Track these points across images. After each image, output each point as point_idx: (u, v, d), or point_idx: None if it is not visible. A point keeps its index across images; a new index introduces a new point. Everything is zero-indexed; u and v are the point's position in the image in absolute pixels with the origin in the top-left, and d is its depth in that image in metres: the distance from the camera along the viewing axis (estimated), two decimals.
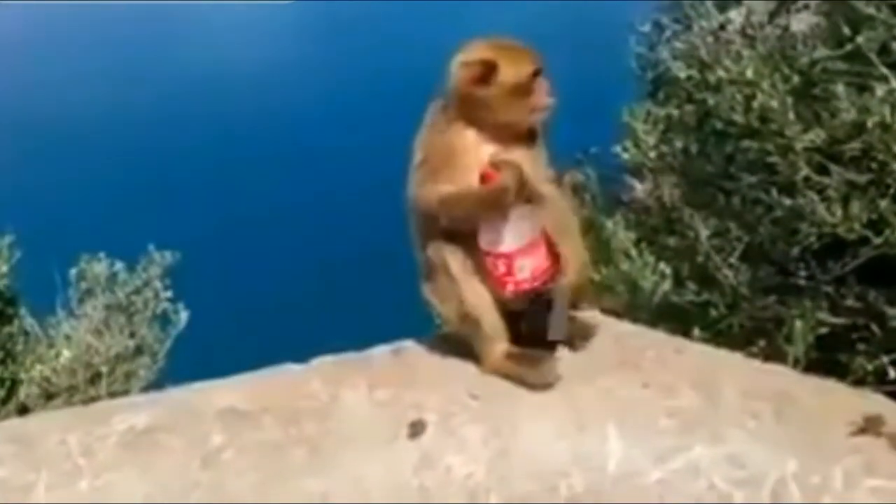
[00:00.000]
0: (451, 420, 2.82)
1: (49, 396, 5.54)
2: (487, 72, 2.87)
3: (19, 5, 30.08)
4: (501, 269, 2.86)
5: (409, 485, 2.62)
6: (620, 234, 5.22)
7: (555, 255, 2.96)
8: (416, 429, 2.80)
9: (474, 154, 2.90)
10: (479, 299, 2.92)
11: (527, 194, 2.87)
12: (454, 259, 2.92)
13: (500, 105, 2.89)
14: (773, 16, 4.91)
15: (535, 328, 2.97)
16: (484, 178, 2.86)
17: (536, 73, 2.91)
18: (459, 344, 3.00)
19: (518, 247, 2.85)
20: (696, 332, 4.64)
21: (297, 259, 18.63)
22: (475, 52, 2.91)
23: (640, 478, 2.58)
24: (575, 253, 3.07)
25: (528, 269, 2.87)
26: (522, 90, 2.89)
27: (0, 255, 5.71)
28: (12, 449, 2.85)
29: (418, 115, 3.00)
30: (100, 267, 6.10)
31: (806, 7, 5.04)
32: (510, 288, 2.87)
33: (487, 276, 2.89)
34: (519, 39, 2.99)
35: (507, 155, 2.90)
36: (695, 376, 2.92)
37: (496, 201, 2.82)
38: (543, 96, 2.93)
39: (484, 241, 2.86)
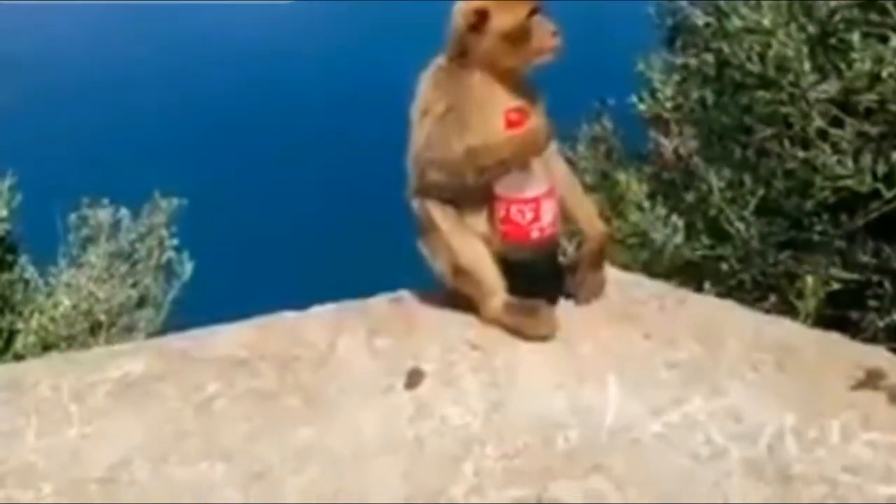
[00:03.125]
0: (450, 370, 2.81)
1: (46, 347, 5.43)
2: (479, 20, 2.80)
3: None
4: (529, 215, 2.82)
5: (403, 435, 2.60)
6: (634, 186, 5.15)
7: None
8: (413, 378, 2.78)
9: (494, 100, 2.85)
10: (473, 252, 2.89)
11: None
12: (445, 214, 2.89)
13: (500, 52, 2.83)
14: None
15: (540, 278, 2.95)
16: (510, 123, 2.81)
17: (532, 14, 2.82)
18: (458, 296, 2.98)
19: (543, 191, 2.83)
20: (708, 286, 4.60)
21: (302, 208, 18.63)
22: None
23: (637, 431, 2.55)
24: (590, 207, 3.09)
25: (550, 214, 2.85)
26: (520, 34, 2.81)
27: (0, 196, 5.54)
28: (2, 395, 2.85)
29: None
30: (104, 213, 5.96)
31: None
32: (535, 234, 2.84)
33: (505, 225, 2.85)
34: None
35: (525, 98, 2.86)
36: (697, 328, 2.89)
37: (534, 145, 2.80)
38: (547, 38, 2.84)
39: (506, 189, 2.82)
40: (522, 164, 2.80)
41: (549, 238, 2.88)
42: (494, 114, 2.82)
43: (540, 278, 2.96)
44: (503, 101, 2.84)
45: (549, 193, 2.84)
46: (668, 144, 5.78)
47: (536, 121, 2.82)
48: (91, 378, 2.87)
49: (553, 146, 3.00)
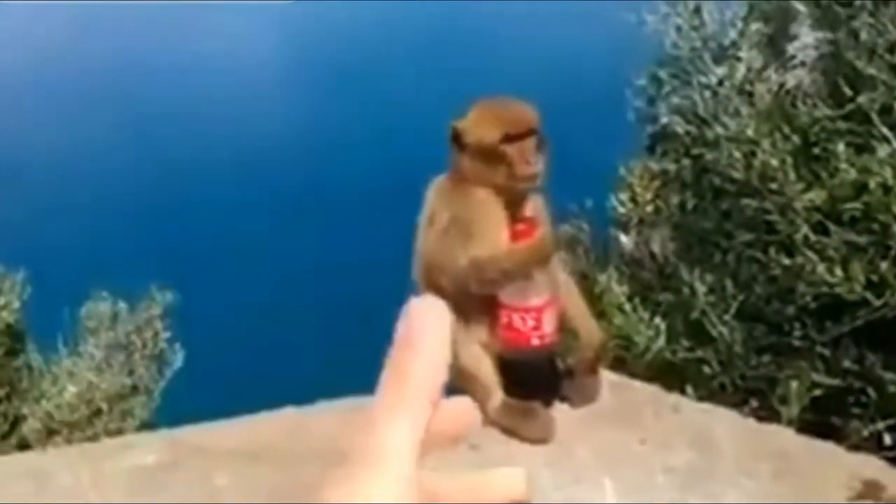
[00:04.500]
0: (449, 469, 2.76)
1: (50, 432, 5.59)
2: (456, 136, 2.83)
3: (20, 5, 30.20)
4: (531, 323, 2.80)
5: None
6: (614, 287, 5.18)
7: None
8: None
9: (495, 213, 2.84)
10: (470, 353, 2.87)
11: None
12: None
13: (478, 170, 2.83)
14: (760, 72, 4.90)
15: (537, 381, 2.93)
16: (517, 235, 2.81)
17: (505, 139, 2.79)
18: (458, 394, 2.94)
19: (546, 300, 2.81)
20: (690, 389, 4.59)
21: (295, 299, 18.61)
22: (475, 115, 2.85)
23: None
24: (587, 314, 3.09)
25: (552, 323, 2.83)
26: (493, 157, 2.79)
27: (13, 290, 5.81)
28: (27, 484, 2.88)
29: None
30: (104, 306, 6.22)
31: (803, 64, 5.05)
32: (535, 342, 2.81)
33: (506, 332, 2.83)
34: (517, 99, 2.90)
35: (529, 211, 2.87)
36: (692, 434, 2.89)
37: (538, 257, 2.78)
38: (522, 165, 2.80)
39: (509, 296, 2.80)
40: (526, 275, 2.80)
41: (549, 345, 2.86)
42: (497, 226, 2.82)
43: (537, 381, 2.94)
44: (504, 214, 2.85)
45: (551, 302, 2.83)
46: (639, 246, 5.84)
47: (542, 232, 2.82)
48: (106, 468, 2.91)
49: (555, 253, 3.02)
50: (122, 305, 6.31)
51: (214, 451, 2.95)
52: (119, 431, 5.62)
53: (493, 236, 2.82)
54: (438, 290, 2.85)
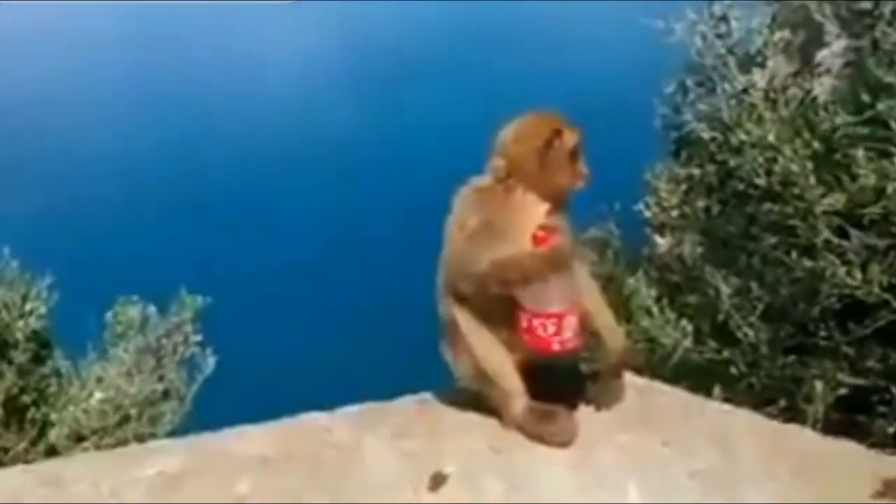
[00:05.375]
0: (472, 474, 2.86)
1: (79, 438, 5.57)
2: (553, 138, 2.97)
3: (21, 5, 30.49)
4: (551, 328, 2.88)
5: None
6: (642, 290, 5.26)
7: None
8: (437, 481, 2.84)
9: (531, 218, 2.97)
10: (495, 357, 2.97)
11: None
12: (469, 318, 2.98)
13: (559, 170, 2.99)
14: (792, 78, 4.99)
15: (561, 384, 3.02)
16: (537, 240, 2.92)
17: (572, 147, 3.02)
18: (481, 398, 3.05)
19: (566, 306, 2.89)
20: (717, 390, 4.66)
21: (323, 309, 18.67)
22: (534, 123, 3.03)
23: None
24: (612, 320, 3.18)
25: (573, 329, 2.90)
26: (575, 156, 3.01)
27: (39, 296, 5.74)
28: (45, 491, 2.91)
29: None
30: (134, 310, 6.17)
31: (828, 72, 5.12)
32: (556, 347, 2.90)
33: (527, 336, 2.92)
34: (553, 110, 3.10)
35: (553, 219, 2.99)
36: (715, 436, 2.95)
37: (553, 263, 2.88)
38: (583, 166, 3.04)
39: (530, 301, 2.89)
40: (543, 279, 2.89)
41: (570, 350, 2.94)
42: (525, 231, 2.95)
43: (560, 384, 3.02)
44: (536, 219, 2.97)
45: (573, 309, 2.91)
46: (669, 250, 5.91)
47: (558, 240, 2.93)
48: (129, 476, 2.93)
49: (580, 260, 3.12)
50: (152, 309, 6.26)
51: (238, 457, 3.00)
52: (150, 437, 5.63)
53: (520, 241, 2.93)
54: (460, 295, 2.97)
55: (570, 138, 3.00)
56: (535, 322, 2.90)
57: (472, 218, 2.98)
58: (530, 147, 2.99)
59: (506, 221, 2.96)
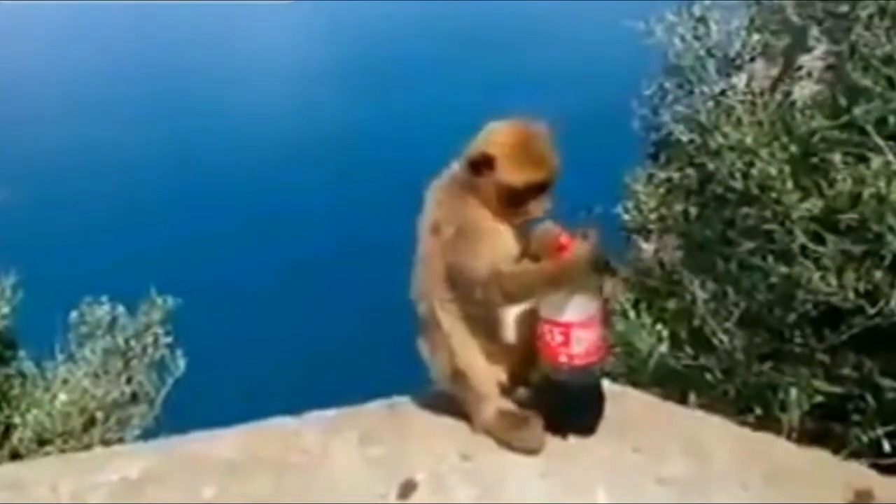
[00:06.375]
0: (441, 480, 2.82)
1: (42, 442, 5.46)
2: (482, 162, 2.81)
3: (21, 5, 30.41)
4: (558, 338, 2.80)
5: None
6: (619, 294, 5.24)
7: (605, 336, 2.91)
8: (406, 489, 2.80)
9: (497, 231, 2.86)
10: (470, 356, 2.92)
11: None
12: (448, 317, 2.92)
13: (490, 199, 2.84)
14: (775, 83, 4.98)
15: (571, 403, 2.92)
16: (559, 247, 2.80)
17: (535, 187, 2.82)
18: (453, 401, 3.00)
19: (579, 319, 2.79)
20: (692, 397, 4.64)
21: (302, 310, 18.59)
22: (493, 136, 2.85)
23: None
24: None
25: (584, 344, 2.81)
26: (514, 198, 2.83)
27: (3, 295, 5.65)
28: (4, 495, 2.86)
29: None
30: (101, 310, 6.04)
31: (809, 76, 5.11)
32: (562, 359, 2.81)
33: (539, 343, 2.84)
34: (544, 132, 2.87)
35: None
36: (686, 443, 2.92)
37: (565, 277, 2.77)
38: (536, 210, 2.85)
39: (545, 307, 2.80)
40: (553, 291, 2.78)
41: (577, 367, 2.83)
42: (503, 233, 2.86)
43: (571, 403, 2.91)
44: (505, 232, 2.87)
45: (588, 323, 2.81)
46: (651, 254, 5.90)
47: (577, 252, 2.79)
48: (90, 480, 2.88)
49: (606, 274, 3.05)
50: (121, 310, 6.12)
51: (205, 461, 2.95)
52: (118, 441, 5.55)
53: (501, 243, 2.84)
54: (460, 299, 2.90)
55: (517, 178, 2.77)
56: (545, 328, 2.82)
57: (445, 225, 2.86)
58: (464, 163, 2.84)
59: (474, 226, 2.84)
